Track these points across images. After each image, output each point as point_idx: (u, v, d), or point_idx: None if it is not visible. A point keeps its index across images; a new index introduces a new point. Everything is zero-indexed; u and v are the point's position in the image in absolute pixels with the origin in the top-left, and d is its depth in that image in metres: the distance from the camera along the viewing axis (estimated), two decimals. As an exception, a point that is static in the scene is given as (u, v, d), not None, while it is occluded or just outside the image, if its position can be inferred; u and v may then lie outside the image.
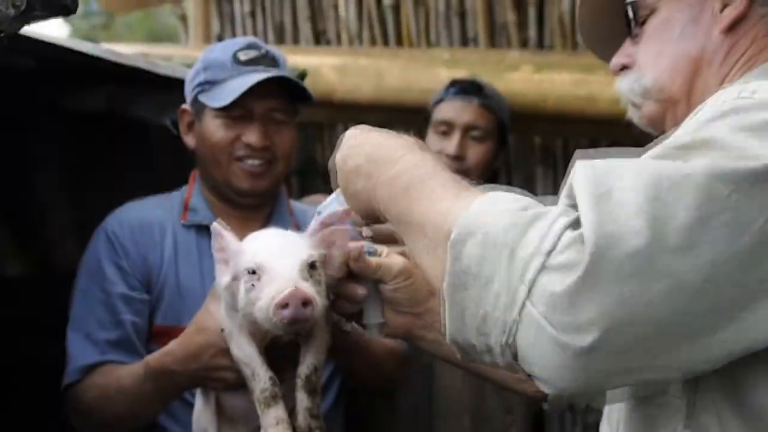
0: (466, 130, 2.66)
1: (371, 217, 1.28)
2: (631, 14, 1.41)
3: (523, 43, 3.25)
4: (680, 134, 1.02)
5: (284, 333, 1.45)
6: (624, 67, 1.43)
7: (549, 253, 0.91)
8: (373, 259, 1.51)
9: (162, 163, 2.84)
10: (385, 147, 1.23)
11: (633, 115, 1.44)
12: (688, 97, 1.35)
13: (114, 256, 2.00)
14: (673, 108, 1.36)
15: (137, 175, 2.74)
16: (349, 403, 2.20)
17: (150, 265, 2.02)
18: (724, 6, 1.31)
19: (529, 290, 0.91)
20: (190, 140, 2.16)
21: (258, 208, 2.15)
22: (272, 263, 1.40)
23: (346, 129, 3.63)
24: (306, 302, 1.35)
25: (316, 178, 3.46)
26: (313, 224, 1.49)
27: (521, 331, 0.92)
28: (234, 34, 3.74)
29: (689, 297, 0.89)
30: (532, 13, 3.23)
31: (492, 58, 3.06)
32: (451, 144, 2.63)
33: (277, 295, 1.35)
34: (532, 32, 3.24)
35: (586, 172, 0.94)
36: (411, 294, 1.52)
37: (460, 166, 2.61)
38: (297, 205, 2.27)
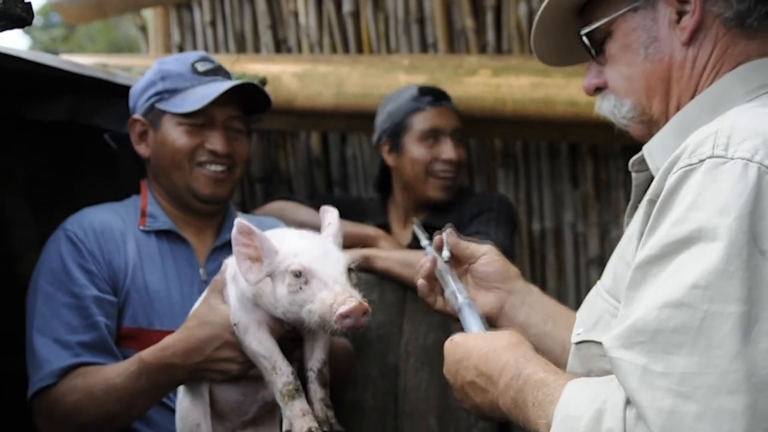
0: (453, 134, 2.71)
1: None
2: (587, 43, 1.44)
3: (482, 49, 3.29)
4: (667, 226, 1.09)
5: (329, 333, 1.54)
6: (598, 88, 1.47)
7: None
8: (461, 243, 1.71)
9: (124, 173, 2.84)
10: (490, 359, 1.34)
11: (622, 127, 1.48)
12: (666, 112, 1.38)
13: (80, 260, 2.00)
14: (656, 126, 1.39)
15: (99, 186, 2.74)
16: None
17: (115, 269, 2.03)
18: (678, 14, 1.33)
19: None
20: (143, 149, 2.19)
21: (212, 217, 2.20)
22: (320, 269, 1.50)
23: (308, 136, 3.66)
24: (365, 313, 1.46)
25: (279, 186, 3.48)
26: (333, 227, 1.63)
27: None
28: (194, 44, 3.75)
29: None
30: (489, 18, 3.27)
31: (451, 63, 3.10)
32: (448, 150, 2.68)
33: (336, 303, 1.45)
34: (490, 37, 3.28)
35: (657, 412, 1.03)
36: (500, 268, 1.70)
37: (458, 169, 2.71)
38: (241, 215, 2.28)
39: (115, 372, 1.83)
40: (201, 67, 2.16)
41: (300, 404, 1.56)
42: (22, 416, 2.15)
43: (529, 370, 1.26)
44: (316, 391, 1.62)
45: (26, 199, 2.70)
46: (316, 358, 1.65)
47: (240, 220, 1.54)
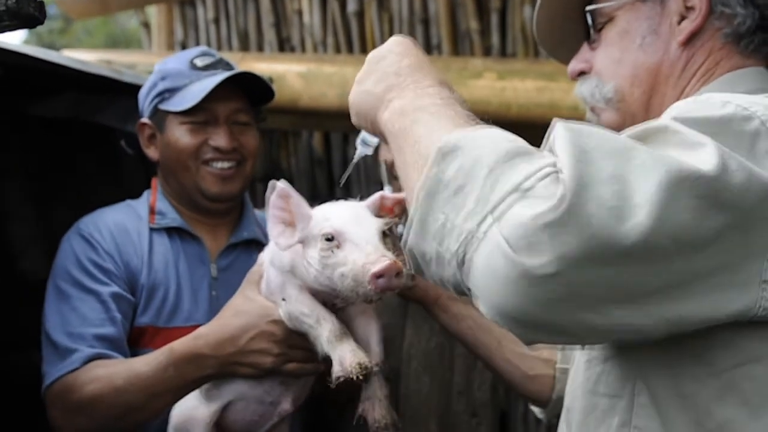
0: None
1: (361, 120, 1.29)
2: (590, 21, 1.44)
3: (486, 51, 3.29)
4: (636, 127, 1.07)
5: (362, 299, 1.48)
6: (582, 73, 1.48)
7: (527, 178, 0.94)
8: None
9: (127, 170, 2.83)
10: (423, 69, 1.22)
11: (591, 120, 1.47)
12: (645, 108, 1.39)
13: (97, 258, 1.98)
14: (631, 119, 1.39)
15: (101, 182, 2.73)
16: (314, 410, 2.21)
17: (133, 270, 2.02)
18: (682, 18, 1.35)
19: (496, 206, 0.94)
20: (152, 153, 2.18)
21: (225, 215, 2.17)
22: (352, 231, 1.45)
23: (310, 136, 3.64)
24: (399, 273, 1.41)
25: (280, 185, 3.46)
26: (372, 198, 1.57)
27: (476, 243, 0.95)
28: (198, 41, 3.73)
29: (647, 257, 0.92)
30: (494, 20, 3.27)
31: (456, 65, 3.09)
32: None
33: (368, 263, 1.40)
34: (494, 40, 3.27)
35: (566, 131, 0.97)
36: None
37: None
38: (260, 213, 2.28)
39: (142, 361, 1.79)
40: (200, 62, 2.12)
41: (349, 344, 1.52)
42: (19, 412, 2.15)
43: (456, 105, 1.14)
44: (381, 386, 1.57)
45: (27, 195, 2.69)
46: (374, 351, 1.60)
47: (280, 183, 1.52)
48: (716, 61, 1.34)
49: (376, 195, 1.58)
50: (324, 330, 1.54)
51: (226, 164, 2.09)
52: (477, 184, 0.96)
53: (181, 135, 2.08)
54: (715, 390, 1.05)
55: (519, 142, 1.00)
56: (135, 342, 1.97)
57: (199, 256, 2.12)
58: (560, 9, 1.53)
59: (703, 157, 0.96)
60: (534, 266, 0.90)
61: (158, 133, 2.14)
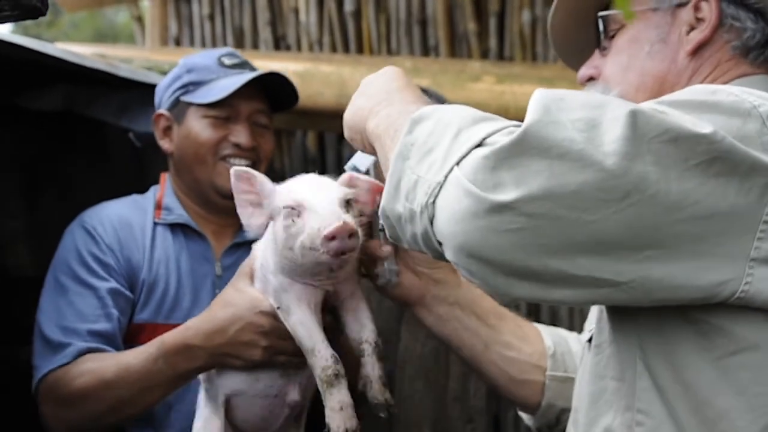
0: None
1: (352, 133, 1.37)
2: (601, 26, 1.45)
3: (483, 54, 3.27)
4: None
5: (324, 268, 1.47)
6: (591, 78, 1.48)
7: (491, 134, 1.00)
8: None
9: (117, 164, 2.80)
10: (412, 93, 1.31)
11: None
12: None
13: (98, 252, 1.97)
14: None
15: (91, 174, 2.70)
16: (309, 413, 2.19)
17: (134, 266, 2.01)
18: (691, 29, 1.36)
19: (461, 158, 1.00)
20: (166, 144, 2.17)
21: (232, 215, 2.14)
22: (312, 199, 1.44)
23: (304, 135, 3.62)
24: (352, 234, 1.39)
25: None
26: (343, 176, 1.56)
27: (443, 192, 1.01)
28: (192, 37, 3.70)
29: (611, 203, 0.94)
30: (492, 23, 3.25)
31: (454, 68, 3.08)
32: None
33: (322, 227, 1.38)
34: (492, 43, 3.26)
35: (543, 89, 1.03)
36: None
37: None
38: None
39: (132, 354, 1.78)
40: (227, 60, 2.15)
41: (339, 395, 1.46)
42: (7, 405, 2.12)
43: None
44: (374, 366, 1.54)
45: (16, 188, 2.66)
46: (368, 328, 1.57)
47: (236, 167, 1.53)
48: (723, 71, 1.35)
49: (345, 175, 1.57)
50: (317, 366, 1.50)
51: (243, 162, 2.08)
52: (445, 143, 1.03)
53: (202, 128, 2.09)
54: (712, 378, 1.06)
55: (488, 114, 1.08)
56: (134, 339, 1.95)
57: (204, 254, 2.11)
58: (574, 15, 1.53)
59: (685, 122, 0.99)
60: (498, 200, 0.94)
61: (176, 125, 2.14)
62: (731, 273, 1.00)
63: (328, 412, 1.47)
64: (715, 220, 0.99)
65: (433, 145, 1.04)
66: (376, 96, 1.31)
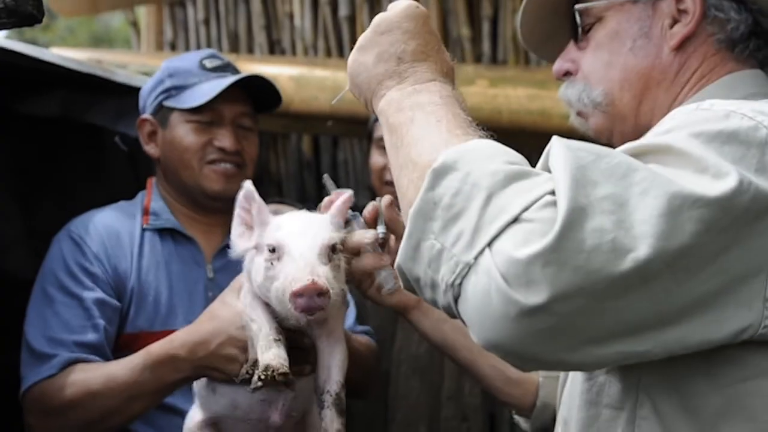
0: None
1: (356, 91, 1.26)
2: (578, 19, 1.38)
3: (477, 58, 3.29)
4: (638, 141, 1.05)
5: (296, 321, 1.43)
6: (567, 73, 1.42)
7: (524, 210, 0.92)
8: (400, 219, 1.48)
9: (113, 170, 2.81)
10: (428, 58, 1.20)
11: (577, 123, 1.43)
12: (635, 113, 1.34)
13: (84, 262, 1.96)
14: (621, 123, 1.36)
15: (87, 179, 2.71)
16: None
17: (121, 275, 1.99)
18: (674, 21, 1.31)
19: (494, 239, 0.92)
20: (152, 149, 2.16)
21: (221, 214, 2.15)
22: (292, 244, 1.41)
23: (299, 138, 3.62)
24: (321, 293, 1.35)
25: (269, 188, 3.45)
26: (335, 207, 1.51)
27: (472, 276, 0.93)
28: (187, 42, 3.72)
29: (645, 288, 0.91)
30: (486, 28, 3.27)
31: (447, 71, 3.09)
32: None
33: (293, 282, 1.35)
34: (486, 47, 3.28)
35: (564, 150, 0.96)
36: None
37: None
38: None
39: (118, 365, 1.77)
40: (209, 63, 2.14)
41: (277, 350, 1.45)
42: (6, 411, 2.12)
43: (455, 105, 1.14)
44: (333, 419, 1.50)
45: (12, 193, 2.67)
46: (333, 379, 1.53)
47: (248, 184, 1.50)
48: (711, 67, 1.30)
49: (338, 207, 1.53)
50: (261, 334, 1.49)
51: (228, 165, 2.09)
52: (474, 212, 0.94)
53: (185, 133, 2.08)
54: (719, 405, 1.03)
55: (515, 159, 0.99)
56: (128, 347, 1.93)
57: (194, 258, 2.10)
58: (547, 4, 1.46)
59: (707, 180, 0.94)
60: (530, 303, 0.89)
61: (160, 129, 2.13)
62: (750, 319, 0.97)
63: (262, 364, 1.44)
64: (730, 272, 0.95)
65: (459, 211, 0.95)
66: (386, 60, 1.20)
